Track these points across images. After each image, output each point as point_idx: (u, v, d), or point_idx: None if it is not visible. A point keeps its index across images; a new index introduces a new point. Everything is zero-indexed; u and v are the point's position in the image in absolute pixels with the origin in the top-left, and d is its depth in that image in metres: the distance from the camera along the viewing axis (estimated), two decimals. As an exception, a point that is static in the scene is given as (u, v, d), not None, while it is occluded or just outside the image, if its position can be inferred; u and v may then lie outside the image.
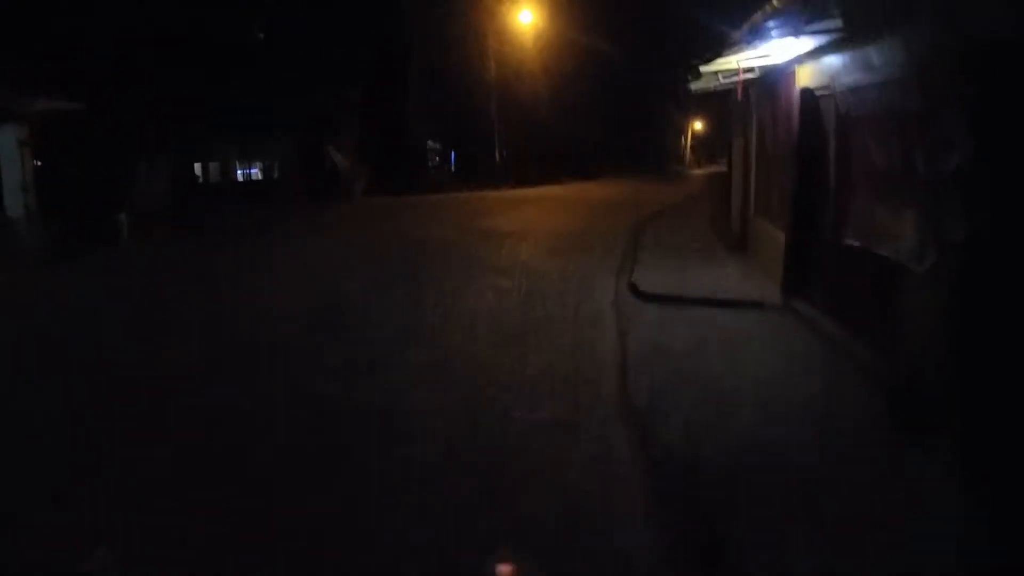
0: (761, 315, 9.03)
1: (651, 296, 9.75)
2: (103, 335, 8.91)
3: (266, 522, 4.11)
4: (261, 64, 29.51)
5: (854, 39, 7.58)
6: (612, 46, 42.37)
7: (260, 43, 30.96)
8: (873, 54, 7.10)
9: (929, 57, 5.99)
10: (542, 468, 4.79)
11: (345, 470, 4.85)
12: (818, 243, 9.03)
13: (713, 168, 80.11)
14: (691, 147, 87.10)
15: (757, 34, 8.54)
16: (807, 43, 8.81)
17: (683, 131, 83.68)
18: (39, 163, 17.66)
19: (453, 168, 43.31)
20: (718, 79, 11.54)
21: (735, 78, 11.46)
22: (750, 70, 10.89)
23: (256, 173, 39.59)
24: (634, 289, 10.18)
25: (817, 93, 8.89)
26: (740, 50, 9.57)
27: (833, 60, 8.30)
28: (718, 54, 9.54)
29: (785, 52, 9.34)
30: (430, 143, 40.72)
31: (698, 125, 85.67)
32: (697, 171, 75.41)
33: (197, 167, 32.90)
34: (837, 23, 7.62)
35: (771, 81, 10.92)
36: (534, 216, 20.52)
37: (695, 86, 11.82)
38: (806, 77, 9.18)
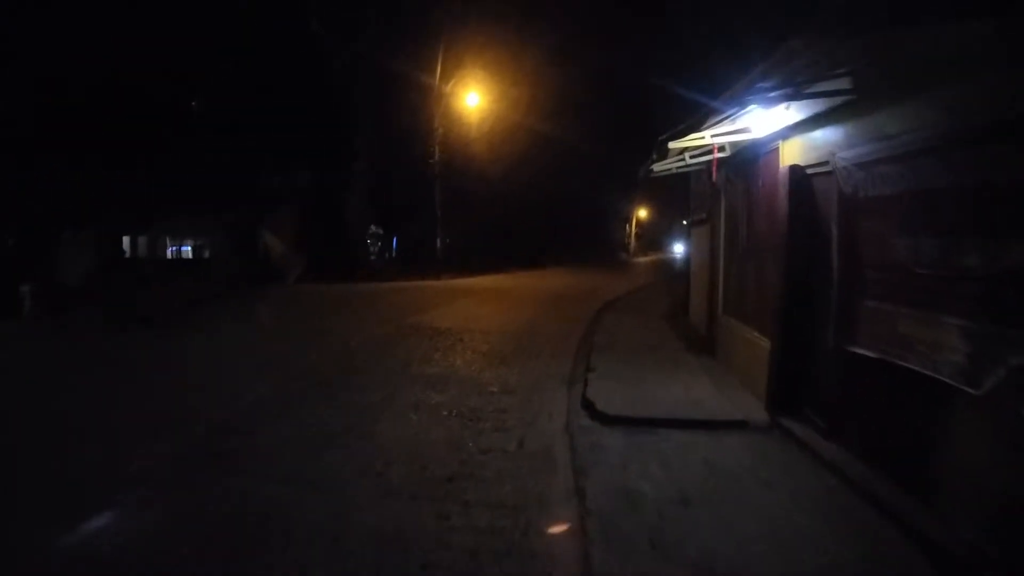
0: (748, 439, 7.32)
1: (611, 418, 7.92)
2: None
3: None
4: (199, 137, 27.82)
5: (864, 103, 6.10)
6: (560, 131, 41.84)
7: (197, 115, 29.15)
8: (893, 120, 5.59)
9: (987, 117, 4.50)
10: None
11: None
12: (813, 351, 7.39)
13: (654, 256, 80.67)
14: (636, 235, 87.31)
15: (739, 102, 7.04)
16: (795, 114, 7.33)
17: (628, 219, 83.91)
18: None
19: (395, 254, 41.78)
20: (684, 159, 10.08)
21: (703, 158, 10.00)
22: (722, 148, 9.42)
23: (188, 251, 37.57)
24: (590, 408, 8.35)
25: (810, 171, 7.37)
26: (713, 124, 8.08)
27: (831, 131, 6.80)
28: (690, 128, 8.00)
29: (768, 124, 7.86)
30: (373, 228, 39.23)
31: (643, 212, 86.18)
32: (642, 259, 75.47)
33: (126, 240, 30.95)
34: (843, 84, 6.12)
35: (746, 160, 9.45)
36: (474, 310, 18.74)
37: (658, 167, 10.29)
38: (793, 153, 7.67)
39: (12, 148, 20.06)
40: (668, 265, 54.09)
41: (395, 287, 27.00)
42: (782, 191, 7.72)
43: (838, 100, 6.39)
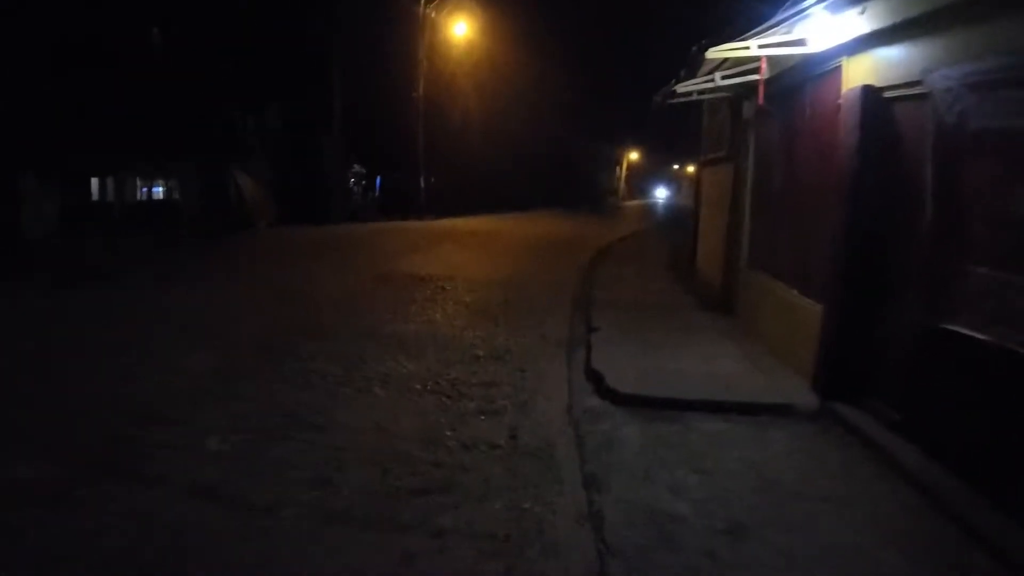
0: (797, 432, 5.91)
1: (625, 398, 6.44)
2: None
3: None
4: (167, 73, 25.69)
5: (985, 3, 4.54)
6: (551, 71, 39.91)
7: (163, 49, 26.90)
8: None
9: None
10: None
11: None
12: (885, 323, 5.90)
13: (645, 201, 79.04)
14: (626, 179, 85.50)
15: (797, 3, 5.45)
16: (870, 21, 5.72)
17: (619, 162, 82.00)
18: None
19: (377, 195, 39.93)
20: (714, 79, 8.43)
21: (737, 79, 8.39)
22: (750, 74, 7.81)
23: (157, 192, 35.47)
24: (598, 382, 6.86)
25: (888, 95, 5.78)
26: (761, 34, 6.47)
27: (926, 42, 5.22)
28: (734, 35, 6.38)
29: (830, 35, 6.25)
30: (356, 167, 37.31)
31: (634, 156, 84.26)
32: (632, 203, 73.92)
33: (95, 183, 28.90)
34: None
35: (789, 85, 7.83)
36: (458, 256, 17.15)
37: (683, 87, 8.64)
38: (864, 72, 6.07)
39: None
40: (660, 210, 52.57)
41: (376, 229, 25.35)
42: (847, 119, 6.14)
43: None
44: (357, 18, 31.04)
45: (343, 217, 30.07)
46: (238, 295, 11.60)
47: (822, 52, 6.58)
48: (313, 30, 30.34)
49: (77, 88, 21.76)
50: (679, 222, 36.58)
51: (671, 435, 5.69)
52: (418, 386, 6.74)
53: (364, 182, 39.09)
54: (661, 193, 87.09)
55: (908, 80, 5.36)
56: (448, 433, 5.56)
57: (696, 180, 14.41)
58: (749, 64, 7.82)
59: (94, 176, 28.49)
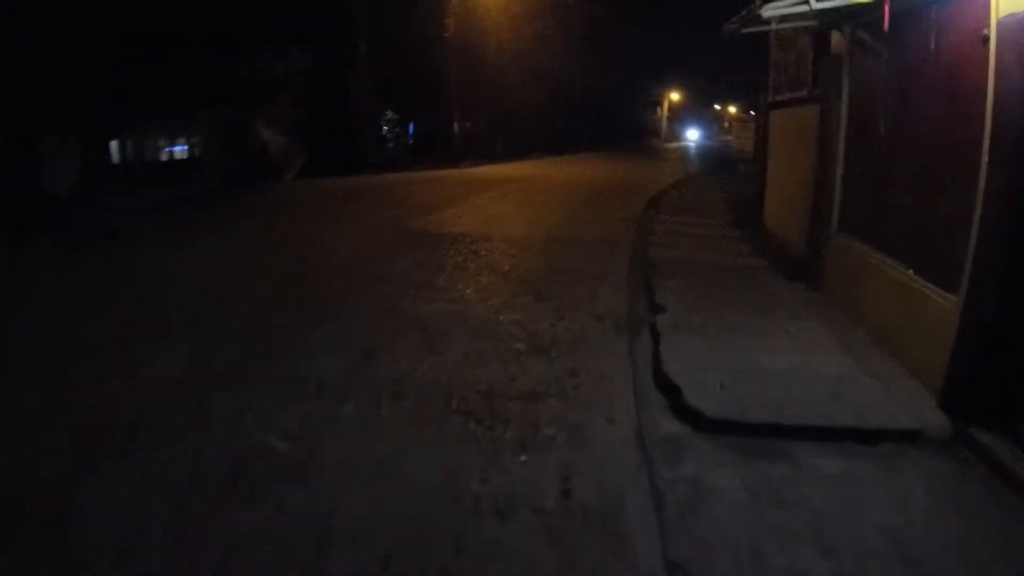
0: (933, 472, 4.47)
1: (712, 423, 4.87)
2: None
3: None
4: (182, 22, 24.14)
5: None
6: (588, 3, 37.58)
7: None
8: None
9: None
10: None
11: None
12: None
13: (681, 143, 76.06)
14: (667, 119, 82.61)
15: None
16: None
17: (659, 102, 79.19)
18: None
19: (412, 141, 38.22)
20: (809, 3, 6.62)
21: (837, 2, 6.59)
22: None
23: (182, 151, 34.10)
24: (673, 395, 5.29)
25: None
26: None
27: None
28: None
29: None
30: (390, 113, 35.61)
31: (675, 96, 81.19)
32: (674, 144, 71.32)
33: (114, 145, 27.68)
34: None
35: (904, 11, 6.04)
36: (495, 208, 15.52)
37: (769, 11, 6.84)
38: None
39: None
40: (702, 153, 50.17)
41: (406, 179, 23.75)
42: (1004, 56, 4.41)
43: None
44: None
45: (375, 165, 28.45)
46: (244, 260, 10.11)
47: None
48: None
49: (94, 43, 20.56)
50: (728, 166, 34.61)
51: (780, 484, 4.14)
52: (439, 401, 5.21)
53: (398, 128, 37.41)
54: (692, 135, 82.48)
55: None
56: (476, 487, 4.04)
57: (761, 125, 12.55)
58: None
59: (115, 138, 27.40)
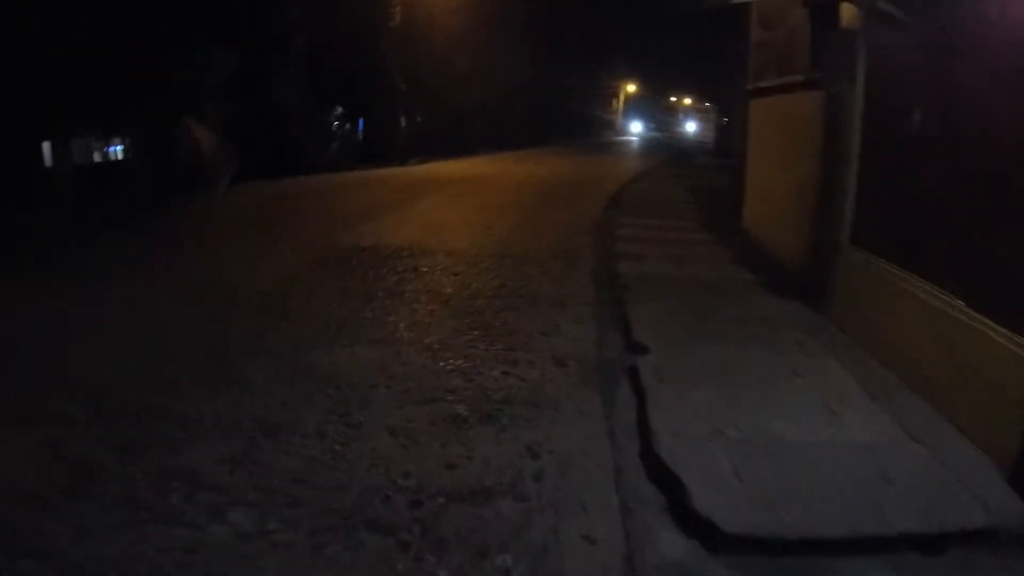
0: None
1: (733, 540, 3.41)
2: None
3: None
4: (108, 17, 22.19)
5: None
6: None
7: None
8: None
9: None
10: None
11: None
12: None
13: (630, 137, 74.81)
14: (623, 112, 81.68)
15: None
16: None
17: (615, 94, 78.22)
18: None
19: (361, 138, 36.40)
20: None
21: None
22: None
23: (114, 152, 31.73)
24: (673, 491, 3.81)
25: None
26: None
27: None
28: None
29: None
30: (339, 110, 33.74)
31: (631, 87, 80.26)
32: (627, 138, 70.34)
33: (46, 147, 25.60)
34: None
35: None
36: (439, 214, 13.96)
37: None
38: None
39: None
40: (662, 146, 49.10)
41: (347, 180, 22.06)
42: None
43: None
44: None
45: (317, 166, 26.59)
46: (140, 300, 8.25)
47: None
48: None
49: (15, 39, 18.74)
50: (685, 158, 33.48)
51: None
52: (350, 507, 3.68)
53: (348, 125, 35.58)
54: (636, 128, 79.44)
55: None
56: None
57: (744, 116, 11.19)
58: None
59: (45, 140, 25.37)
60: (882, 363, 5.58)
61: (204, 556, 3.28)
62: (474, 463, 4.17)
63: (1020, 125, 4.11)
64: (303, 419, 4.73)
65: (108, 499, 3.75)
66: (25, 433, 4.49)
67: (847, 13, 6.60)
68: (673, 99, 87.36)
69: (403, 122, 29.63)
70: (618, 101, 79.15)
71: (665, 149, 44.82)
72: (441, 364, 5.71)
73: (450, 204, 15.43)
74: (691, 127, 76.03)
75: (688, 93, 79.71)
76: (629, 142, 59.14)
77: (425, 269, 8.96)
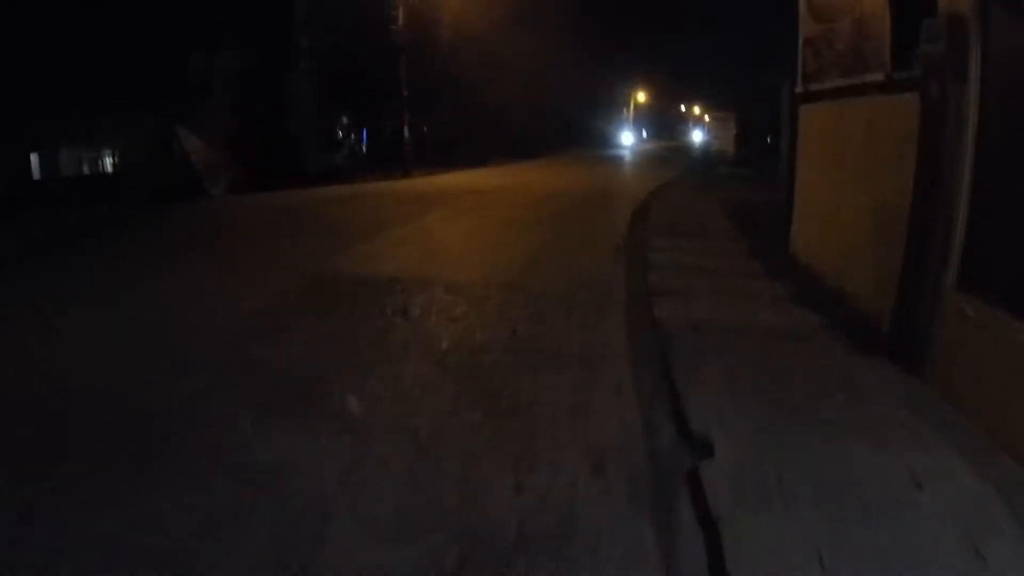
0: None
1: None
2: None
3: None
4: (101, 23, 21.07)
5: None
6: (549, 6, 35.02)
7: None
8: None
9: None
10: None
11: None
12: None
13: (657, 143, 73.44)
14: (633, 121, 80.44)
15: None
16: None
17: (625, 103, 77.00)
18: None
19: (364, 148, 35.12)
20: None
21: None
22: None
23: (105, 163, 30.44)
24: None
25: None
26: None
27: None
28: None
29: None
30: (345, 118, 32.49)
31: (641, 96, 79.04)
32: (643, 147, 68.87)
33: (35, 159, 24.62)
34: None
35: None
36: (442, 234, 12.48)
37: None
38: None
39: None
40: (677, 156, 47.52)
41: (347, 193, 20.56)
42: None
43: None
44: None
45: (318, 177, 25.17)
46: (88, 343, 6.78)
47: None
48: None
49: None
50: (706, 168, 31.91)
51: None
52: None
53: (353, 135, 34.29)
54: (627, 139, 71.35)
55: None
56: None
57: (795, 123, 9.64)
58: None
59: (33, 151, 24.40)
60: (1013, 455, 4.04)
61: None
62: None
63: None
64: (225, 560, 3.21)
65: None
66: None
67: (966, 5, 5.02)
68: (683, 108, 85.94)
69: (407, 131, 28.22)
70: (628, 110, 77.98)
71: (682, 157, 43.35)
72: (429, 468, 4.16)
73: (454, 220, 14.00)
74: (698, 136, 74.30)
75: (699, 101, 78.36)
76: (641, 151, 57.54)
77: (419, 309, 7.45)
